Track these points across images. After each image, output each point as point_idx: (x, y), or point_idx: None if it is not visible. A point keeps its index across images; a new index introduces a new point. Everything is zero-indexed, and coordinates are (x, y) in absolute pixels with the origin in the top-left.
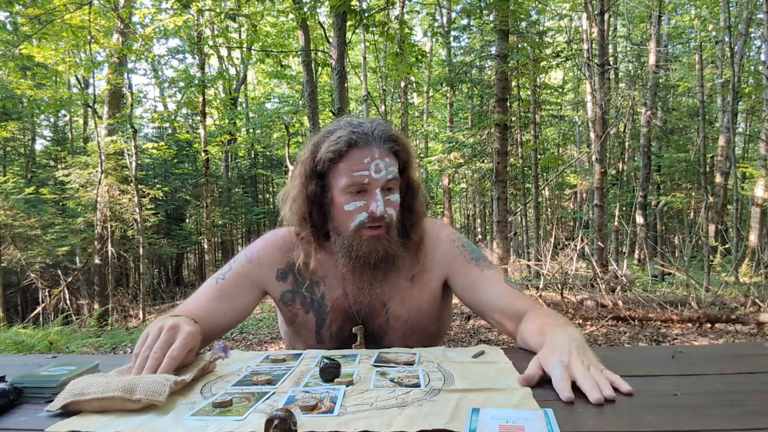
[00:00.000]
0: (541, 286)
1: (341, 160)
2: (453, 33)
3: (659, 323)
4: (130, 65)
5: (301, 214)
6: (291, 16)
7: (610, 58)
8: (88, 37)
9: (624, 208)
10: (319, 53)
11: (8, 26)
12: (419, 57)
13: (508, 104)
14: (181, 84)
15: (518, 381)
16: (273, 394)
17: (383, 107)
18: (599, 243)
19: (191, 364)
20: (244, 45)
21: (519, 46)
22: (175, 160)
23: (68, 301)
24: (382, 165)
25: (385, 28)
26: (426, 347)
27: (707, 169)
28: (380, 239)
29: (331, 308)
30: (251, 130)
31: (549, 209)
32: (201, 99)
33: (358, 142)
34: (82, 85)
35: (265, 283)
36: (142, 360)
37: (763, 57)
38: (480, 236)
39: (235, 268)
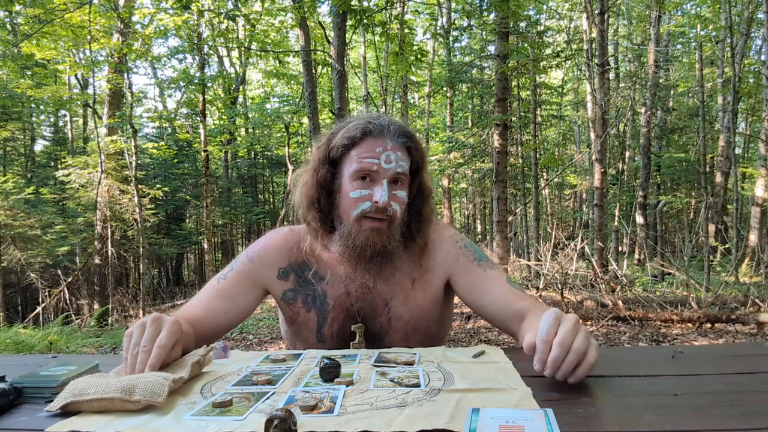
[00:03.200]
0: (541, 286)
1: (354, 147)
2: (453, 33)
3: (659, 323)
4: (130, 65)
5: (309, 198)
6: (290, 15)
7: (610, 58)
8: (88, 37)
9: (624, 208)
10: (319, 53)
11: (7, 26)
12: (419, 56)
13: (508, 104)
14: (182, 84)
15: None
16: (273, 394)
17: (383, 107)
18: (599, 243)
19: (184, 359)
20: (244, 45)
21: (519, 45)
22: (175, 160)
23: (68, 301)
24: (393, 157)
25: (386, 28)
26: (427, 347)
27: (707, 169)
28: (380, 232)
29: (333, 306)
30: (251, 129)
31: (549, 209)
32: (201, 99)
33: (372, 131)
34: (82, 85)
35: (266, 283)
36: (133, 358)
37: (763, 57)
38: (480, 236)
39: (237, 267)
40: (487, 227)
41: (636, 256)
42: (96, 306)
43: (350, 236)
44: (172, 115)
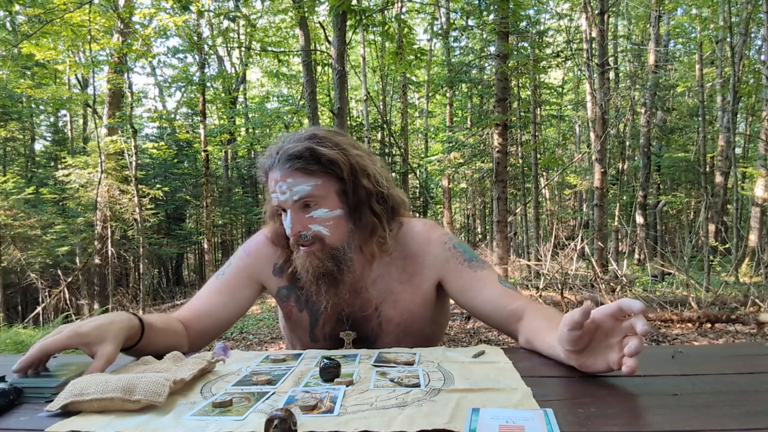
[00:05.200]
0: (541, 286)
1: (267, 184)
2: (453, 33)
3: (659, 323)
4: (130, 65)
5: (268, 216)
6: (291, 14)
7: (610, 58)
8: (88, 37)
9: (624, 208)
10: (319, 53)
11: (8, 25)
12: (418, 55)
13: (508, 104)
14: (181, 84)
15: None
16: (273, 394)
17: (383, 107)
18: (599, 243)
19: (188, 361)
20: (244, 45)
21: (519, 45)
22: (175, 160)
23: (68, 301)
24: (285, 186)
25: (385, 28)
26: (426, 348)
27: (707, 169)
28: (310, 255)
29: (324, 309)
30: (251, 129)
31: (549, 209)
32: (201, 99)
33: (272, 165)
34: (82, 85)
35: (261, 276)
36: None
37: (763, 57)
38: (480, 236)
39: (235, 262)
40: (487, 227)
41: (636, 256)
42: (96, 306)
43: (294, 261)
44: (172, 115)
